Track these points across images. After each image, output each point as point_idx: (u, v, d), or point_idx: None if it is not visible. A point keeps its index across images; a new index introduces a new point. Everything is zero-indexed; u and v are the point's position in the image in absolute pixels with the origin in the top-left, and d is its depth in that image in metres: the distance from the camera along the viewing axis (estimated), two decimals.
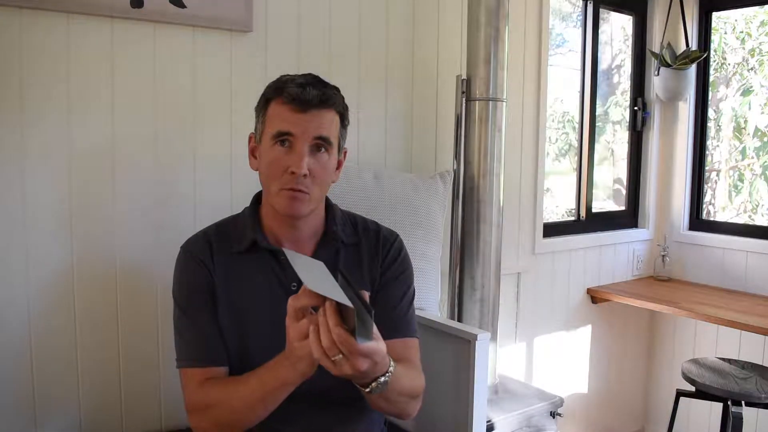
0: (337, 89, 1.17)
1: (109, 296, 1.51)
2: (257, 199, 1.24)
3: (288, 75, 1.16)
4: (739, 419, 2.00)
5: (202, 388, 1.13)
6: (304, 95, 1.10)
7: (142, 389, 1.57)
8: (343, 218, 1.27)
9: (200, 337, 1.16)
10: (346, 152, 1.24)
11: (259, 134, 1.17)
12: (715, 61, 2.87)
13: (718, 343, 2.68)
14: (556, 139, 2.78)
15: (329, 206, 1.26)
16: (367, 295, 0.89)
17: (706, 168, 2.90)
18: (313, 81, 1.13)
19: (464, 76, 1.89)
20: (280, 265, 1.19)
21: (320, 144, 1.13)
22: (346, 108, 1.19)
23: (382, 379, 1.00)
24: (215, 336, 1.16)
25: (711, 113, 2.87)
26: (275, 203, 1.15)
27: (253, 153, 1.21)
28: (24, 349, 1.42)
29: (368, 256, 1.25)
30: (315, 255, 1.21)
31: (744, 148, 2.91)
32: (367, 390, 1.01)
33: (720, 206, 2.98)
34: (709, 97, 2.84)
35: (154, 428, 1.59)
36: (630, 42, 2.87)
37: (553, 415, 1.96)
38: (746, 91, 2.85)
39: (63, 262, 1.45)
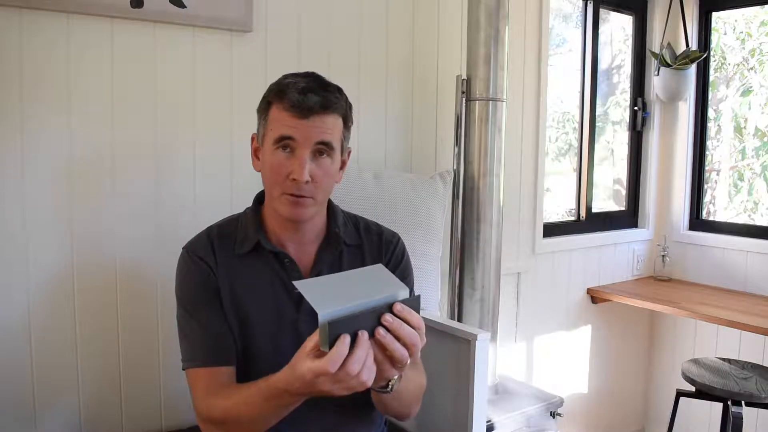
0: (339, 91, 1.15)
1: (109, 296, 1.52)
2: (259, 199, 1.24)
3: (290, 76, 1.14)
4: (739, 419, 2.00)
5: (207, 395, 1.12)
6: (306, 102, 1.08)
7: (142, 389, 1.57)
8: (345, 219, 1.27)
9: (205, 337, 1.16)
10: (350, 152, 1.23)
11: (261, 137, 1.16)
12: (715, 61, 2.87)
13: (718, 343, 2.68)
14: (556, 139, 2.78)
15: (331, 207, 1.25)
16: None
17: (706, 168, 2.90)
18: (314, 86, 1.11)
19: (464, 76, 1.89)
20: (284, 267, 1.18)
21: (322, 149, 1.12)
22: (349, 108, 1.17)
23: (396, 375, 1.00)
24: (221, 335, 1.15)
25: (711, 113, 2.87)
26: (278, 207, 1.14)
27: (255, 154, 1.20)
28: (24, 349, 1.42)
29: (371, 258, 1.25)
30: (318, 257, 1.21)
31: (744, 148, 2.91)
32: (388, 389, 1.02)
33: (720, 206, 2.98)
34: (709, 97, 2.84)
35: (154, 428, 1.59)
36: (630, 42, 2.87)
37: (553, 415, 1.96)
38: (746, 91, 2.85)
39: (63, 262, 1.46)
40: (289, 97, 1.09)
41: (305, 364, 0.89)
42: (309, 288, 0.88)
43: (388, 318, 0.89)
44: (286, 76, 1.15)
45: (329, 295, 0.87)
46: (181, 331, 1.19)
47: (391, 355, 0.91)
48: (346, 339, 0.86)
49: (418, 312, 0.94)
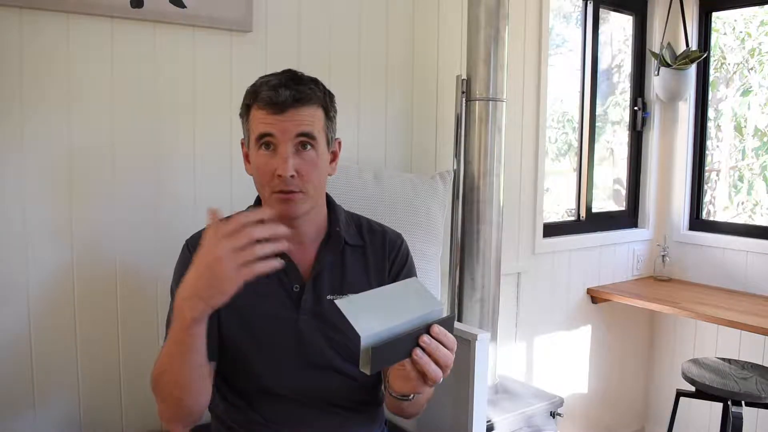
0: (315, 82, 1.15)
1: (109, 296, 1.51)
2: (260, 199, 1.24)
3: (264, 76, 1.14)
4: (739, 419, 2.00)
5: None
6: (277, 97, 1.08)
7: (142, 389, 1.56)
8: (347, 219, 1.26)
9: None
10: (340, 143, 1.22)
11: (247, 141, 1.17)
12: (714, 60, 2.87)
13: (718, 343, 2.69)
14: (556, 139, 2.78)
15: (332, 207, 1.25)
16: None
17: (706, 168, 2.90)
18: (286, 81, 1.11)
19: (464, 76, 1.89)
20: (283, 266, 1.18)
21: (304, 141, 1.11)
22: (329, 98, 1.17)
23: (427, 390, 1.02)
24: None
25: (711, 113, 2.87)
26: (271, 207, 1.14)
27: (246, 158, 1.20)
28: (24, 349, 1.42)
29: (374, 259, 1.25)
30: (319, 257, 1.20)
31: (744, 148, 2.91)
32: (411, 398, 1.03)
33: (720, 206, 2.98)
34: (709, 97, 2.84)
35: (154, 428, 1.58)
36: (630, 42, 2.87)
37: (553, 415, 1.96)
38: (746, 91, 2.85)
39: (63, 262, 1.45)
40: (262, 95, 1.10)
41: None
42: (349, 307, 0.88)
43: (425, 339, 0.90)
44: (261, 77, 1.15)
45: (369, 314, 0.88)
46: (167, 320, 1.19)
47: (425, 374, 0.91)
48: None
49: (452, 331, 0.94)
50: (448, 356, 0.92)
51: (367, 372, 0.86)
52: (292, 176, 1.09)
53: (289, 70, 1.15)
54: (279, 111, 1.09)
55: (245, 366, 1.16)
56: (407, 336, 0.89)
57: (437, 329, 0.91)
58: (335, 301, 0.90)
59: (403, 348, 0.89)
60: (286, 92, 1.09)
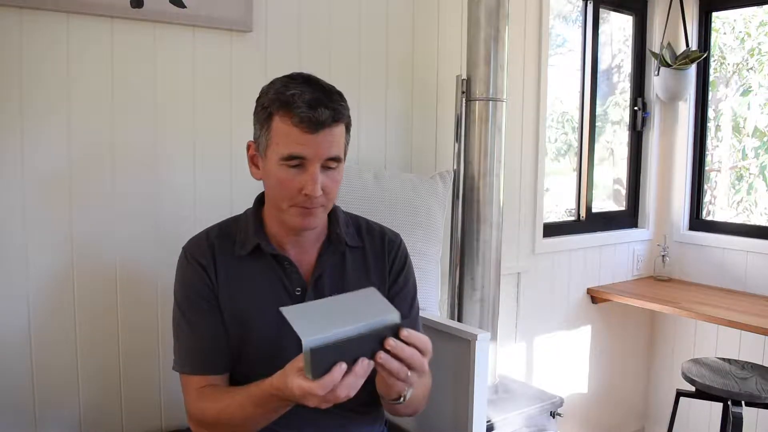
0: (342, 97, 1.11)
1: (109, 296, 1.51)
2: (260, 200, 1.22)
3: (291, 85, 1.08)
4: (739, 419, 2.00)
5: (199, 399, 1.13)
6: (317, 116, 1.04)
7: (142, 389, 1.57)
8: (346, 220, 1.26)
9: (198, 345, 1.16)
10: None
11: (264, 148, 1.11)
12: (714, 60, 2.87)
13: (718, 343, 2.69)
14: (556, 139, 2.78)
15: (332, 209, 1.24)
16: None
17: (706, 168, 2.90)
18: (321, 97, 1.06)
19: (464, 76, 1.89)
20: (284, 270, 1.17)
21: (332, 163, 1.10)
22: (349, 112, 1.14)
23: (407, 389, 1.03)
24: (215, 343, 1.15)
25: (711, 113, 2.87)
26: (287, 219, 1.12)
27: (253, 161, 1.16)
28: (24, 349, 1.42)
29: (374, 259, 1.24)
30: (320, 259, 1.20)
31: (743, 148, 2.91)
32: (401, 401, 1.04)
33: (720, 206, 2.98)
34: (709, 97, 2.84)
35: (154, 428, 1.58)
36: (630, 42, 2.87)
37: (553, 415, 1.96)
38: (745, 91, 2.85)
39: (63, 262, 1.45)
40: (297, 112, 1.04)
41: (295, 380, 0.90)
42: (295, 314, 0.88)
43: (391, 343, 0.89)
44: (286, 85, 1.08)
45: (316, 321, 0.87)
46: (174, 332, 1.19)
47: (396, 375, 0.91)
48: (341, 366, 0.86)
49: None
50: (415, 355, 0.91)
51: (310, 376, 0.86)
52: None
53: (314, 80, 1.10)
54: (314, 130, 1.05)
55: (246, 368, 1.16)
56: (357, 340, 0.88)
57: (406, 332, 0.90)
58: (281, 309, 0.90)
59: (355, 352, 0.88)
60: (326, 112, 1.05)
